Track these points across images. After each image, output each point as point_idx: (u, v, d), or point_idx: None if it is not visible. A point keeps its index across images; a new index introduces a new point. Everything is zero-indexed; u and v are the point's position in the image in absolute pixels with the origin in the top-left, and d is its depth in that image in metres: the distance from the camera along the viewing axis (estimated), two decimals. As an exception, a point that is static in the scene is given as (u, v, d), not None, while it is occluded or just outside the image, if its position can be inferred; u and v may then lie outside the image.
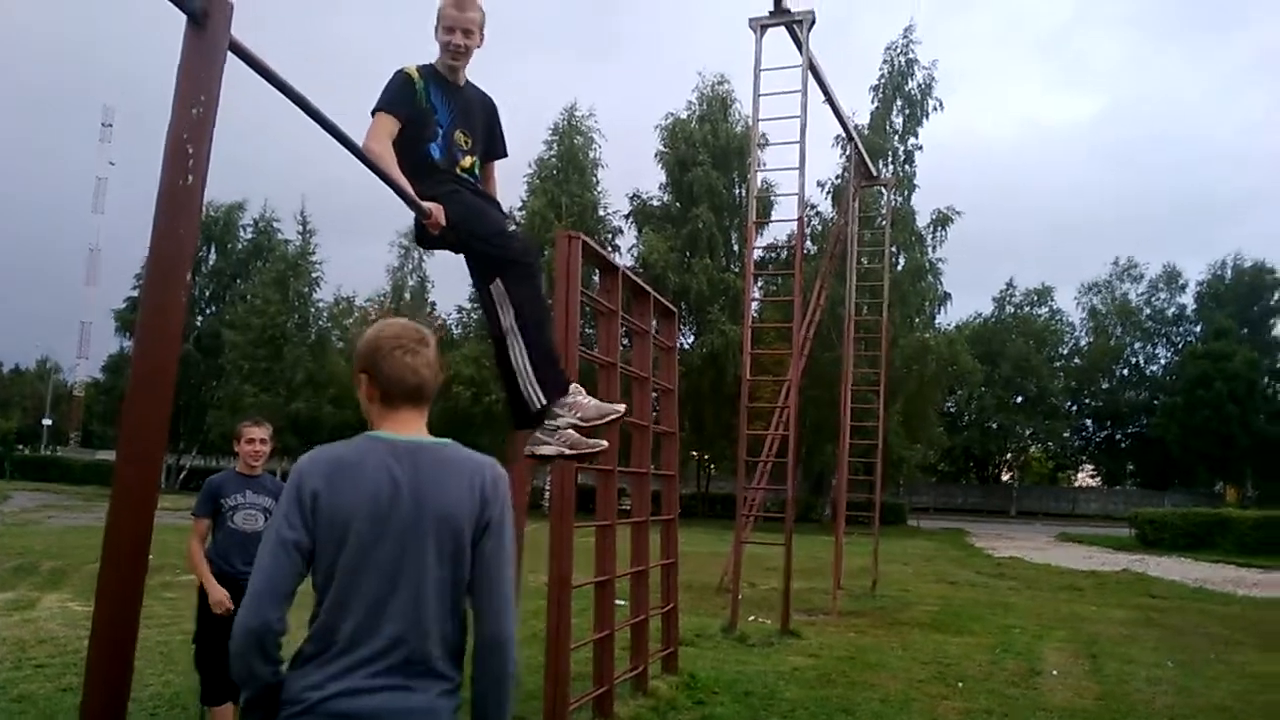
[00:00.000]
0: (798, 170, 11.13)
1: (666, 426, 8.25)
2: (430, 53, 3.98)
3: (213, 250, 55.42)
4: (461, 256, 4.02)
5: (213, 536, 5.37)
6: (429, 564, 2.19)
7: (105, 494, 2.41)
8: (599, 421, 3.93)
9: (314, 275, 50.41)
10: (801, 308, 11.86)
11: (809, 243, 36.95)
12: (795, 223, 12.59)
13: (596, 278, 7.74)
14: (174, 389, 2.47)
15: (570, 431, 3.89)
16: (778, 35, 11.64)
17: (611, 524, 6.69)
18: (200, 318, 54.52)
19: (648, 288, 7.62)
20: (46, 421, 71.63)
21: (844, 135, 14.80)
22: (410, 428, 2.33)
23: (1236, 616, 14.32)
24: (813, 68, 11.59)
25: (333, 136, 3.00)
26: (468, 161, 4.04)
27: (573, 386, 3.96)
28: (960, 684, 8.65)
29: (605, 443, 4.08)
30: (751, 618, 11.88)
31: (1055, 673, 9.44)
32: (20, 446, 66.50)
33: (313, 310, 50.08)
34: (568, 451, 3.88)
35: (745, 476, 12.74)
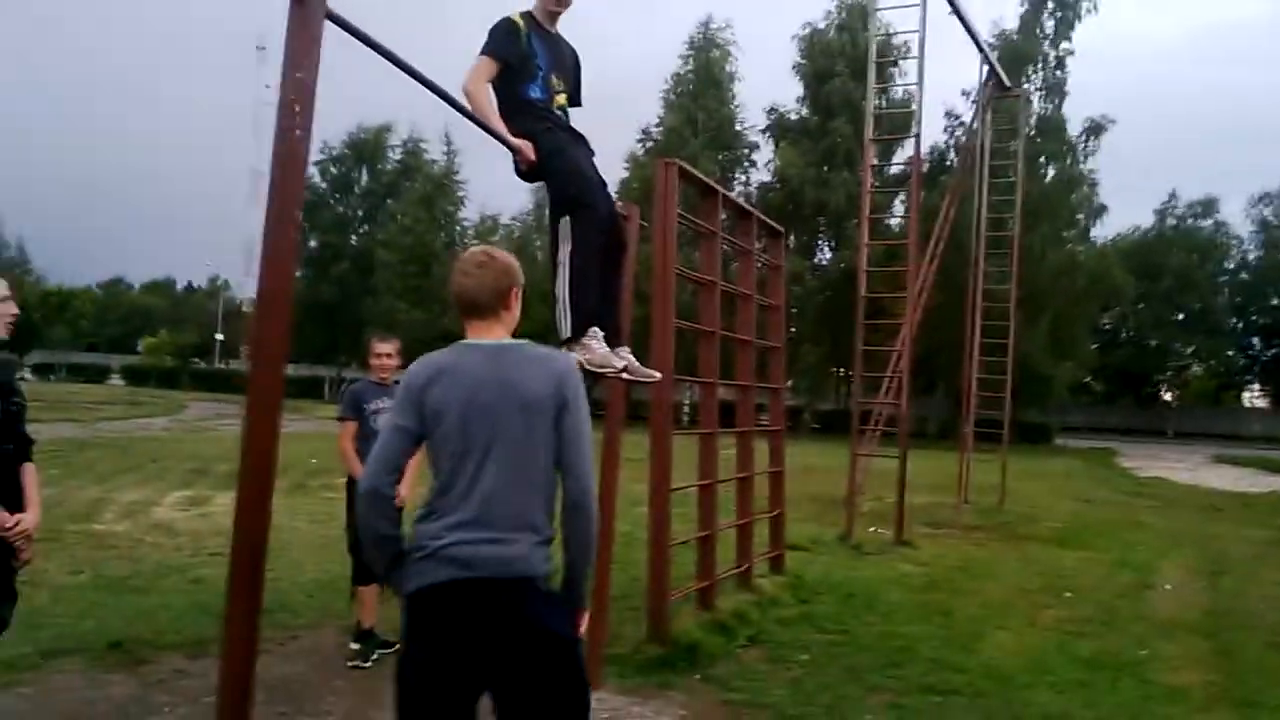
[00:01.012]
0: (915, 88, 11.05)
1: (773, 341, 8.53)
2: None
3: (364, 172, 57.53)
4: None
5: (358, 439, 5.98)
6: (520, 439, 2.65)
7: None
8: (598, 370, 4.30)
9: (459, 194, 51.89)
10: (918, 227, 11.84)
11: (954, 156, 35.95)
12: (915, 139, 12.43)
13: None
14: (291, 307, 2.97)
15: (597, 347, 4.28)
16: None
17: (713, 433, 7.09)
18: (355, 238, 56.91)
19: (751, 209, 7.85)
20: (219, 337, 76.29)
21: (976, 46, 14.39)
22: (488, 334, 2.80)
23: (1386, 540, 13.80)
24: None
25: (432, 91, 3.42)
26: (562, 99, 4.43)
27: (591, 330, 4.30)
28: (1068, 594, 8.80)
29: (623, 363, 4.42)
30: (872, 529, 12.15)
31: (1168, 587, 9.47)
32: (196, 360, 71.38)
33: (459, 229, 51.59)
34: (587, 364, 4.23)
35: (866, 392, 12.92)
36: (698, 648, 6.08)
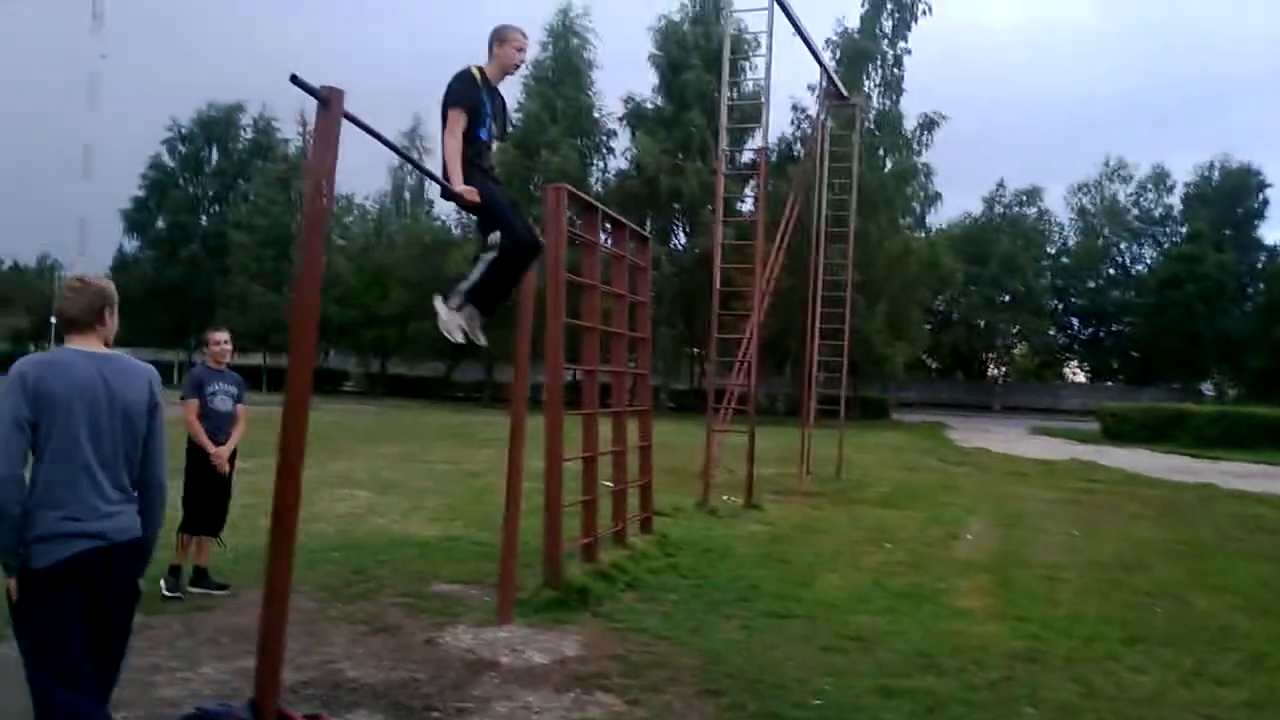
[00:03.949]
0: (764, 82, 12.49)
1: (641, 333, 9.83)
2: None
3: (214, 150, 56.33)
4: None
5: (201, 417, 7.26)
6: (120, 431, 3.38)
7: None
8: (444, 331, 5.61)
9: (315, 176, 51.36)
10: (765, 229, 13.34)
11: (800, 147, 38.08)
12: (761, 147, 13.95)
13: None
14: (317, 334, 4.08)
15: (447, 316, 5.54)
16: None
17: (593, 413, 8.35)
18: (205, 218, 55.73)
19: (623, 220, 9.12)
20: (53, 319, 73.01)
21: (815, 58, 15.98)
22: (87, 344, 3.44)
23: (1156, 498, 16.12)
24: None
25: (429, 178, 4.54)
26: (495, 146, 5.59)
27: (469, 309, 5.55)
28: (887, 545, 10.47)
29: (460, 336, 5.63)
30: (725, 497, 13.62)
31: (970, 537, 11.29)
32: (30, 344, 68.20)
33: (314, 211, 51.14)
34: (440, 315, 5.59)
35: (720, 374, 14.40)
36: (586, 591, 7.36)
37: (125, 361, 3.51)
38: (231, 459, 7.46)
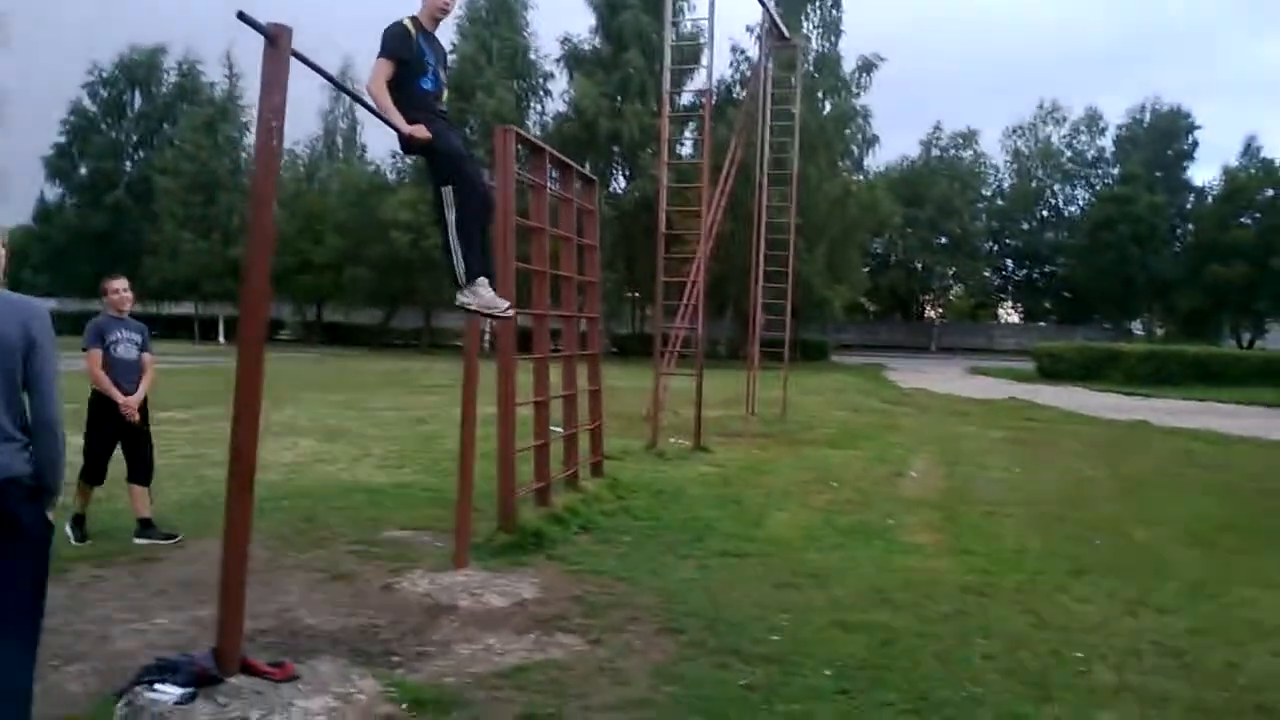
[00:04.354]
0: (705, 22, 12.41)
1: (589, 277, 9.76)
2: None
3: (136, 94, 54.54)
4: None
5: (105, 366, 7.15)
6: None
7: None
8: (483, 311, 5.48)
9: (243, 120, 50.03)
10: (710, 169, 13.28)
11: (740, 89, 37.88)
12: (705, 89, 13.86)
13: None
14: (269, 279, 3.97)
15: (485, 293, 5.40)
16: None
17: (544, 358, 8.30)
18: (129, 164, 54.07)
19: (570, 162, 8.99)
20: (-25, 272, 70.59)
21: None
22: None
23: (1092, 435, 16.59)
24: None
25: (364, 107, 4.42)
26: (444, 94, 5.44)
27: (480, 279, 5.38)
28: (834, 484, 10.61)
29: (506, 303, 5.54)
30: (672, 440, 13.70)
31: (914, 475, 11.49)
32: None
33: (244, 155, 49.79)
34: (474, 306, 5.42)
35: (665, 318, 14.39)
36: (541, 534, 7.36)
37: (4, 297, 3.30)
38: (144, 409, 7.35)
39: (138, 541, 7.15)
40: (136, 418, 7.21)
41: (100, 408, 7.19)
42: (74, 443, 6.79)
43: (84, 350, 7.13)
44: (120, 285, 7.32)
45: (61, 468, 3.41)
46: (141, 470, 7.35)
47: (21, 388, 3.26)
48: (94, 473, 7.22)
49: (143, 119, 54.28)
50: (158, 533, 7.22)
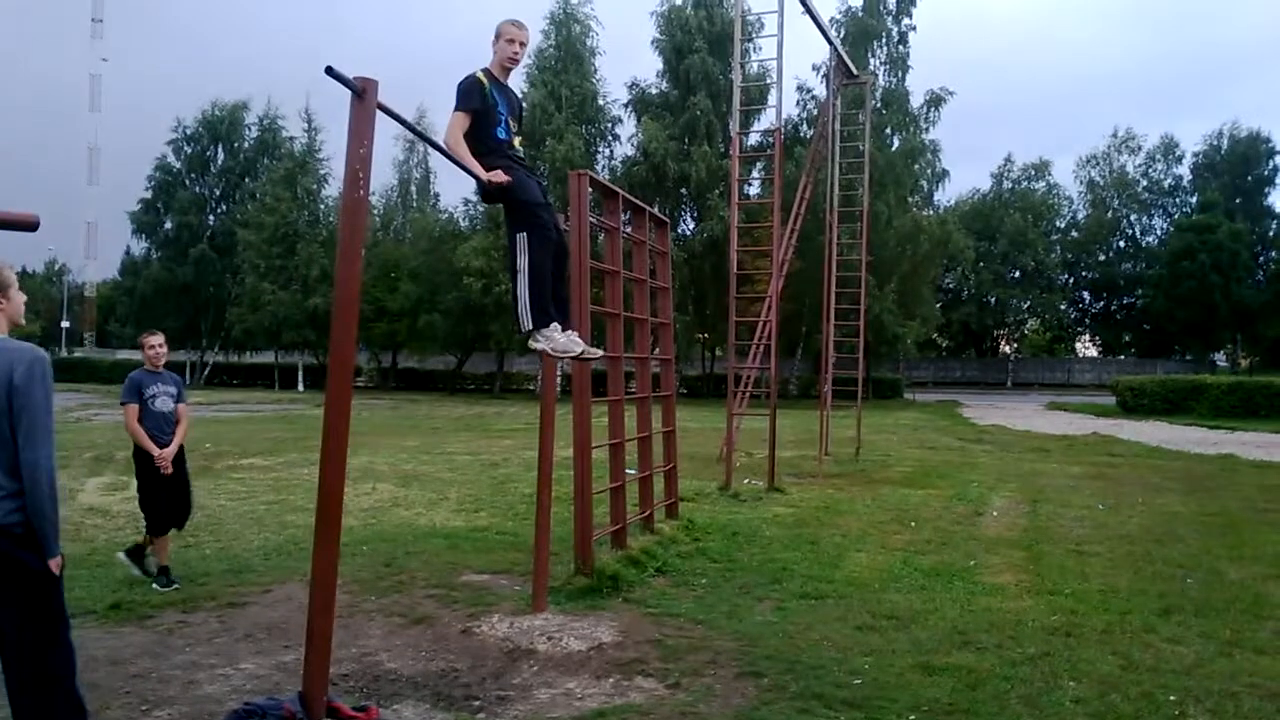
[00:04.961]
0: (774, 63, 12.51)
1: (663, 319, 9.81)
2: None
3: (220, 150, 56.34)
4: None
5: (141, 419, 7.36)
6: None
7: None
8: (561, 355, 5.52)
9: (321, 172, 51.33)
10: (781, 209, 13.29)
11: (807, 128, 37.93)
12: (775, 127, 13.91)
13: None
14: (356, 325, 4.06)
15: (559, 338, 5.45)
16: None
17: (619, 400, 8.34)
18: (213, 217, 55.79)
19: (643, 205, 9.08)
20: (64, 324, 73.32)
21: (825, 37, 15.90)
22: None
23: (1178, 469, 16.08)
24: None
25: (444, 155, 4.54)
26: (518, 141, 5.57)
27: (553, 324, 5.43)
28: (912, 524, 10.44)
29: (582, 346, 5.56)
30: (746, 480, 13.63)
31: (995, 514, 11.25)
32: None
33: (322, 206, 51.08)
34: (551, 351, 5.47)
35: (737, 358, 14.37)
36: (618, 577, 7.36)
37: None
38: (180, 458, 7.52)
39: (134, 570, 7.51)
40: (170, 470, 7.35)
41: (142, 460, 7.42)
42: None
43: (121, 405, 7.42)
44: (156, 341, 7.55)
45: (48, 513, 3.44)
46: (177, 516, 7.57)
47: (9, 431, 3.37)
48: (151, 523, 7.43)
49: (225, 173, 55.99)
50: (164, 580, 7.34)
